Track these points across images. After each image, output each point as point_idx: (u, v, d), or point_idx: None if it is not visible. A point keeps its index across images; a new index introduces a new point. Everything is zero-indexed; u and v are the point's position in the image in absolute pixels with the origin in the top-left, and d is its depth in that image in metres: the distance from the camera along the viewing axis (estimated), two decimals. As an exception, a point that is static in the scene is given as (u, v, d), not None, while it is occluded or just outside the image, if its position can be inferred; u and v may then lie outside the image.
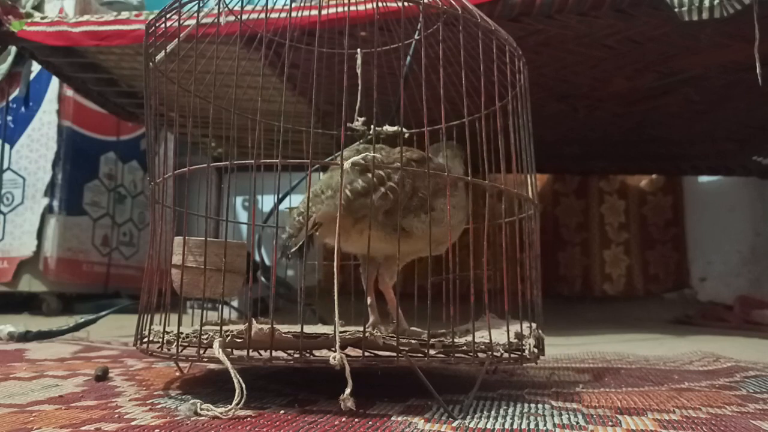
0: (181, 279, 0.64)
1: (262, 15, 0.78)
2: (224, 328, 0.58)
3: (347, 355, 0.53)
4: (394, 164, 0.69)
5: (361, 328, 0.57)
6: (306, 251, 0.71)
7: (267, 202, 2.27)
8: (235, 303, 1.79)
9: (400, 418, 0.53)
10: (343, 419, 0.52)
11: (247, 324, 0.56)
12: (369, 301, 0.79)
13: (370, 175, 0.68)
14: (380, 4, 0.62)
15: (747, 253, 2.61)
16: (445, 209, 0.71)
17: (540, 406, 0.60)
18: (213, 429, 0.49)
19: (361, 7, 1.06)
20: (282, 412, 0.55)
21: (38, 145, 2.33)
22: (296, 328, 0.58)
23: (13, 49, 2.24)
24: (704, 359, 0.99)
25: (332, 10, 1.05)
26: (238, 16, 0.70)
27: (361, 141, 0.81)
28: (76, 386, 0.69)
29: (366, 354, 0.57)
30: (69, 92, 2.28)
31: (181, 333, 0.60)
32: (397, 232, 0.65)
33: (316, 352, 0.62)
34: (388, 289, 0.75)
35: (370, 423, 0.51)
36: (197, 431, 0.48)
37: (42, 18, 1.62)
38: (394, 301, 0.74)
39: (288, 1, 0.65)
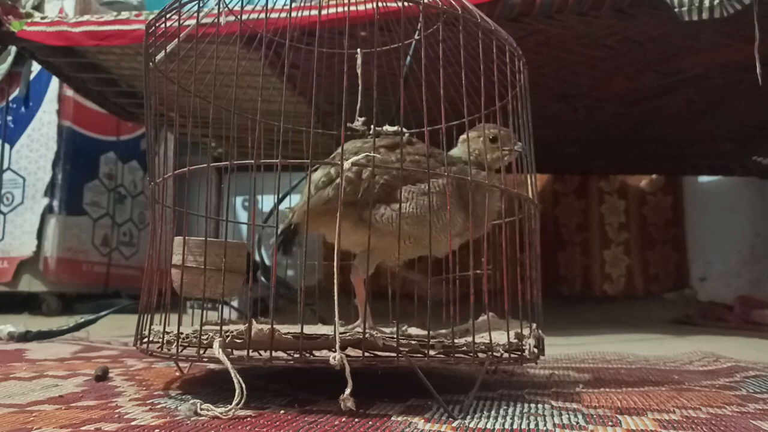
0: (181, 279, 0.64)
1: (262, 15, 0.78)
2: (224, 328, 0.58)
3: (347, 356, 0.53)
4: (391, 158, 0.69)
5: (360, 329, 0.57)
6: (290, 246, 0.76)
7: (267, 202, 2.27)
8: (235, 303, 1.79)
9: (400, 418, 0.53)
10: (343, 419, 0.52)
11: (247, 324, 0.56)
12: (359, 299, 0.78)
13: (331, 170, 0.71)
14: (380, 4, 0.62)
15: (747, 253, 2.61)
16: (413, 200, 0.69)
17: (540, 406, 0.60)
18: (213, 429, 0.49)
19: (361, 7, 1.06)
20: (282, 412, 0.55)
21: (38, 145, 2.33)
22: (296, 329, 0.58)
23: (13, 49, 2.24)
24: (704, 359, 0.99)
25: (332, 10, 1.05)
26: (238, 16, 0.70)
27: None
28: (76, 386, 0.69)
29: (366, 354, 0.57)
30: (69, 92, 2.28)
31: (181, 333, 0.60)
32: (365, 223, 0.67)
33: (316, 353, 0.62)
34: (359, 281, 0.75)
35: (370, 423, 0.51)
36: (197, 431, 0.48)
37: (42, 18, 1.62)
38: (362, 296, 0.74)
39: (288, 1, 0.65)
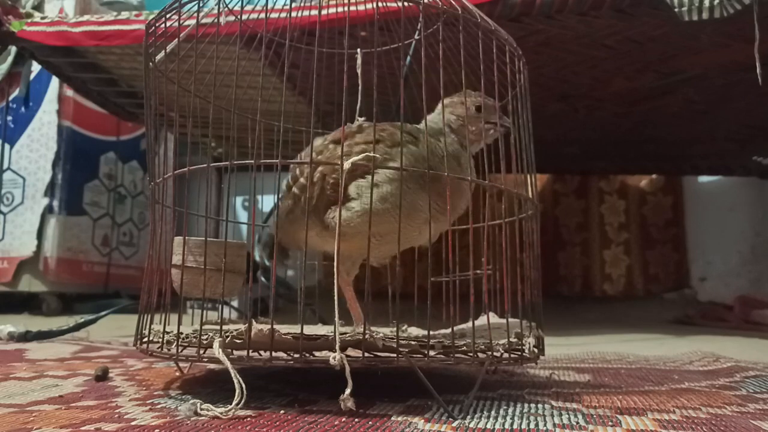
0: (181, 279, 0.64)
1: (262, 15, 0.78)
2: (224, 328, 0.58)
3: (347, 356, 0.53)
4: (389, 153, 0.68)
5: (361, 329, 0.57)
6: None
7: (267, 202, 2.27)
8: (235, 303, 1.79)
9: (400, 418, 0.53)
10: (343, 419, 0.52)
11: (247, 324, 0.56)
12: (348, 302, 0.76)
13: (289, 177, 0.71)
14: (380, 4, 0.62)
15: (747, 253, 2.61)
16: (364, 195, 0.64)
17: (540, 406, 0.60)
18: (213, 429, 0.49)
19: (361, 7, 1.06)
20: (282, 412, 0.55)
21: (38, 145, 2.33)
22: (296, 329, 0.58)
23: (13, 49, 2.24)
24: (704, 359, 0.99)
25: (332, 10, 1.05)
26: (238, 16, 0.70)
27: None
28: (76, 386, 0.69)
29: (366, 355, 0.57)
30: (69, 92, 2.28)
31: (181, 333, 0.60)
32: (330, 230, 0.66)
33: (317, 352, 0.62)
34: (344, 285, 0.73)
35: (370, 423, 0.51)
36: (197, 431, 0.48)
37: (42, 18, 1.62)
38: (351, 300, 0.73)
39: (288, 1, 0.65)
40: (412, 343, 0.58)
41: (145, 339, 0.65)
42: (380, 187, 0.65)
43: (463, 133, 0.71)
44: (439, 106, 0.72)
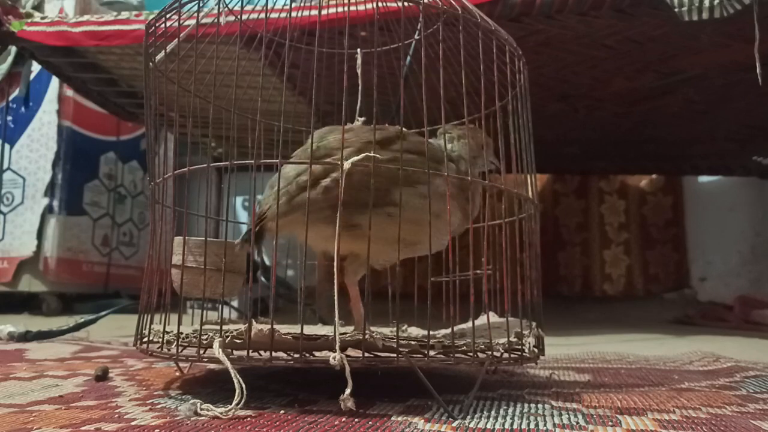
0: (181, 279, 0.64)
1: (262, 15, 0.78)
2: (224, 328, 0.58)
3: (347, 356, 0.53)
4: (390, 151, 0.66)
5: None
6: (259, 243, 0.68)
7: (267, 202, 2.26)
8: (235, 303, 1.79)
9: (400, 418, 0.53)
10: (343, 419, 0.52)
11: (247, 324, 0.56)
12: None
13: (312, 166, 0.64)
14: (380, 4, 0.62)
15: (747, 253, 2.61)
16: (410, 202, 0.63)
17: (540, 406, 0.60)
18: (213, 429, 0.49)
19: (361, 7, 1.06)
20: (282, 412, 0.55)
21: (38, 145, 2.34)
22: (296, 329, 0.58)
23: (13, 49, 2.24)
24: (704, 359, 0.99)
25: (332, 10, 1.05)
26: (238, 16, 0.70)
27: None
28: (76, 386, 0.69)
29: (366, 354, 0.57)
30: (69, 92, 2.29)
31: (181, 333, 0.60)
32: (352, 228, 0.63)
33: (317, 353, 0.62)
34: (351, 285, 0.72)
35: (370, 423, 0.51)
36: (197, 431, 0.48)
37: (42, 18, 1.62)
38: (355, 299, 0.73)
39: (288, 1, 0.65)
40: (412, 343, 0.58)
41: (145, 339, 0.65)
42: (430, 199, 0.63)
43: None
44: (459, 134, 0.76)
